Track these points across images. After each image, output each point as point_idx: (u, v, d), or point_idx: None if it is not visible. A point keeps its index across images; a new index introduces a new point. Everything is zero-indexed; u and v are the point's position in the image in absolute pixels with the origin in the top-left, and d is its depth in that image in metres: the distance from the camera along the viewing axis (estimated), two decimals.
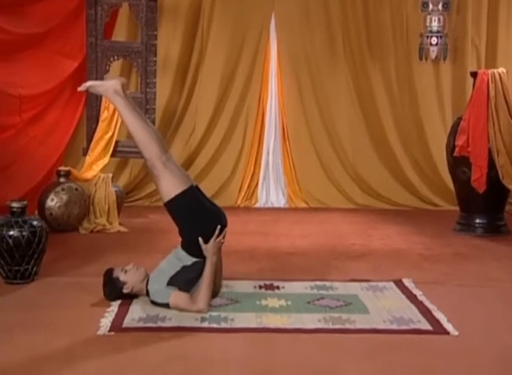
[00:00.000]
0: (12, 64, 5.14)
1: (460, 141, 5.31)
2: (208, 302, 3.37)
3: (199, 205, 3.49)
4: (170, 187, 3.42)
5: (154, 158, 3.44)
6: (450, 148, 5.49)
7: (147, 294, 3.46)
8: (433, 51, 6.62)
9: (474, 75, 5.46)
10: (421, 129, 6.83)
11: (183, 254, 3.46)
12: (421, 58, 6.67)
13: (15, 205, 3.83)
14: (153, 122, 5.83)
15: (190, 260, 3.43)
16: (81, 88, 3.52)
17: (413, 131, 6.85)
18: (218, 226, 3.45)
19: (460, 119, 5.45)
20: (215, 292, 3.55)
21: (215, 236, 3.42)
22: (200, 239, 3.40)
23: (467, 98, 5.95)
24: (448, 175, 5.85)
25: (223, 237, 3.49)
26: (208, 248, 3.40)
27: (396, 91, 6.83)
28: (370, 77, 6.81)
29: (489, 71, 5.32)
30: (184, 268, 3.41)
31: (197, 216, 3.46)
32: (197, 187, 3.56)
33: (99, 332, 3.09)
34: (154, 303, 3.42)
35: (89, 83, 3.57)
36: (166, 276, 3.40)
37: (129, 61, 6.02)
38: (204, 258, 3.43)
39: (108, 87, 3.48)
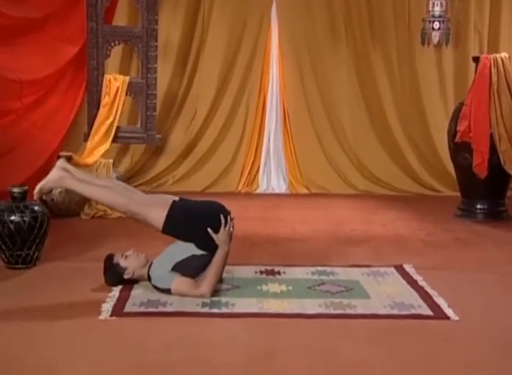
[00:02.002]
0: (12, 49, 5.11)
1: (461, 126, 5.29)
2: (211, 288, 3.37)
3: (191, 212, 3.49)
4: (158, 215, 3.42)
5: (128, 207, 3.46)
6: (452, 133, 5.47)
7: (149, 279, 3.46)
8: (435, 36, 6.57)
9: (476, 60, 5.44)
10: (423, 114, 6.81)
11: (192, 245, 3.44)
12: (423, 44, 6.63)
13: (16, 190, 3.83)
14: (154, 108, 5.81)
15: (199, 252, 3.43)
16: (35, 197, 3.52)
17: (414, 117, 6.83)
18: (222, 216, 3.44)
19: (461, 104, 5.43)
20: (219, 279, 3.56)
21: (222, 225, 3.42)
22: (209, 230, 3.39)
23: (469, 83, 5.92)
24: (449, 161, 5.84)
25: (232, 226, 3.48)
26: (219, 238, 3.40)
27: (398, 77, 6.81)
28: (372, 63, 6.78)
29: (492, 56, 5.30)
30: (192, 257, 3.40)
31: (195, 222, 3.45)
32: (180, 199, 3.57)
33: (101, 317, 3.10)
34: (155, 288, 3.42)
35: (37, 187, 3.51)
36: (172, 261, 3.39)
37: (129, 46, 5.99)
38: (214, 252, 3.42)
39: (56, 177, 3.49)
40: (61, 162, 3.53)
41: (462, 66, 6.65)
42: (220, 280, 3.56)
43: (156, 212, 3.43)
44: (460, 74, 6.67)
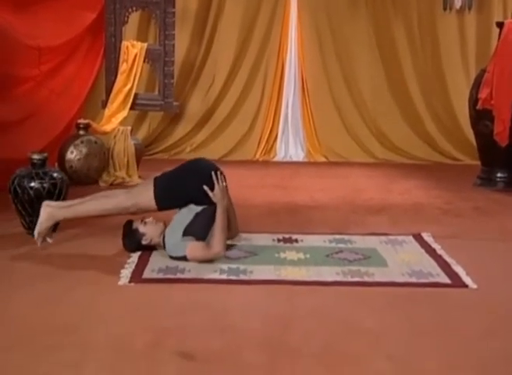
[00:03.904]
0: (30, 15, 5.10)
1: (483, 93, 5.21)
2: (223, 245, 3.41)
3: (175, 179, 3.56)
4: (146, 197, 3.49)
5: (120, 206, 3.52)
6: (473, 101, 5.40)
7: (165, 248, 3.49)
8: (458, 1, 6.43)
9: (500, 25, 5.33)
10: (443, 82, 6.73)
11: (192, 205, 3.51)
12: (445, 9, 6.51)
13: (35, 156, 3.85)
14: (171, 75, 5.78)
15: (199, 208, 3.49)
16: (39, 243, 3.53)
17: (435, 84, 6.74)
18: (213, 173, 3.49)
19: (484, 71, 5.34)
20: (232, 235, 3.66)
21: (215, 181, 3.47)
22: (205, 187, 3.46)
23: (491, 49, 5.82)
24: (469, 129, 5.78)
25: (224, 180, 3.52)
26: (215, 194, 3.46)
27: (419, 43, 6.71)
28: (392, 29, 6.69)
29: None
30: (196, 215, 3.45)
31: (183, 185, 3.51)
32: (161, 173, 3.65)
33: (119, 282, 3.13)
34: (172, 258, 3.44)
35: (36, 234, 3.53)
36: (181, 227, 3.43)
37: (147, 12, 5.95)
38: (212, 204, 3.47)
39: (45, 217, 3.51)
40: (44, 203, 3.58)
41: (485, 32, 6.53)
42: (230, 236, 3.63)
43: (144, 195, 3.51)
44: (483, 40, 6.55)
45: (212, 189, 3.47)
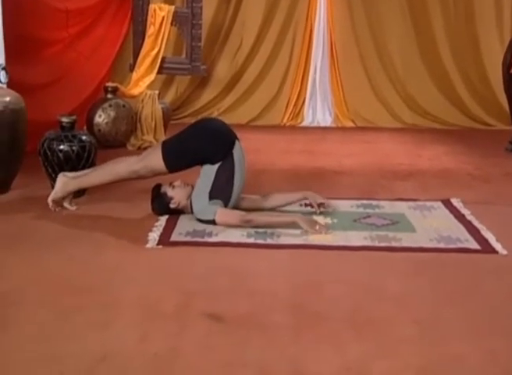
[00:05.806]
0: None
1: None
2: (258, 224, 3.37)
3: (183, 138, 3.53)
4: (156, 158, 3.47)
5: (130, 169, 3.52)
6: (507, 64, 5.29)
7: (192, 212, 3.50)
8: None
9: None
10: (476, 45, 6.57)
11: (206, 167, 3.46)
12: None
13: (64, 119, 3.87)
14: (199, 38, 5.72)
15: (215, 167, 3.43)
16: (53, 208, 3.58)
17: (467, 47, 6.59)
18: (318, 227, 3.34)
19: None
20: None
21: (315, 229, 3.32)
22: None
23: None
24: (502, 93, 5.67)
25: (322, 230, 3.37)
26: (305, 225, 3.33)
27: (452, 5, 6.55)
28: None
29: None
30: (216, 176, 3.42)
31: (192, 141, 3.49)
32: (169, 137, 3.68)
33: (147, 245, 3.15)
34: (199, 221, 3.45)
35: (49, 201, 3.58)
36: (205, 192, 3.42)
37: None
38: (225, 157, 3.43)
39: (60, 186, 3.56)
40: (60, 174, 3.63)
41: None
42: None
43: (153, 157, 3.49)
44: None
45: (225, 150, 3.43)
